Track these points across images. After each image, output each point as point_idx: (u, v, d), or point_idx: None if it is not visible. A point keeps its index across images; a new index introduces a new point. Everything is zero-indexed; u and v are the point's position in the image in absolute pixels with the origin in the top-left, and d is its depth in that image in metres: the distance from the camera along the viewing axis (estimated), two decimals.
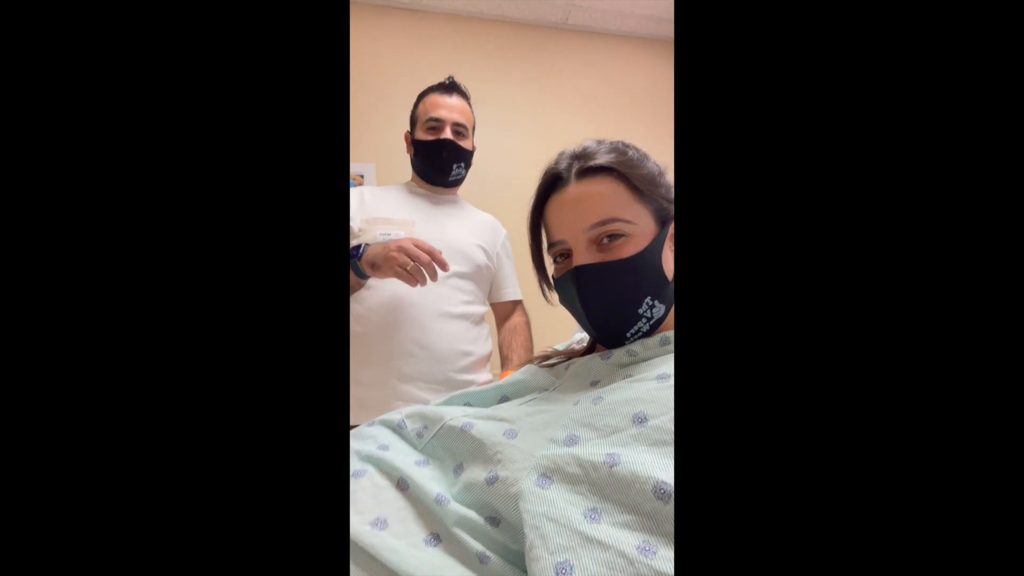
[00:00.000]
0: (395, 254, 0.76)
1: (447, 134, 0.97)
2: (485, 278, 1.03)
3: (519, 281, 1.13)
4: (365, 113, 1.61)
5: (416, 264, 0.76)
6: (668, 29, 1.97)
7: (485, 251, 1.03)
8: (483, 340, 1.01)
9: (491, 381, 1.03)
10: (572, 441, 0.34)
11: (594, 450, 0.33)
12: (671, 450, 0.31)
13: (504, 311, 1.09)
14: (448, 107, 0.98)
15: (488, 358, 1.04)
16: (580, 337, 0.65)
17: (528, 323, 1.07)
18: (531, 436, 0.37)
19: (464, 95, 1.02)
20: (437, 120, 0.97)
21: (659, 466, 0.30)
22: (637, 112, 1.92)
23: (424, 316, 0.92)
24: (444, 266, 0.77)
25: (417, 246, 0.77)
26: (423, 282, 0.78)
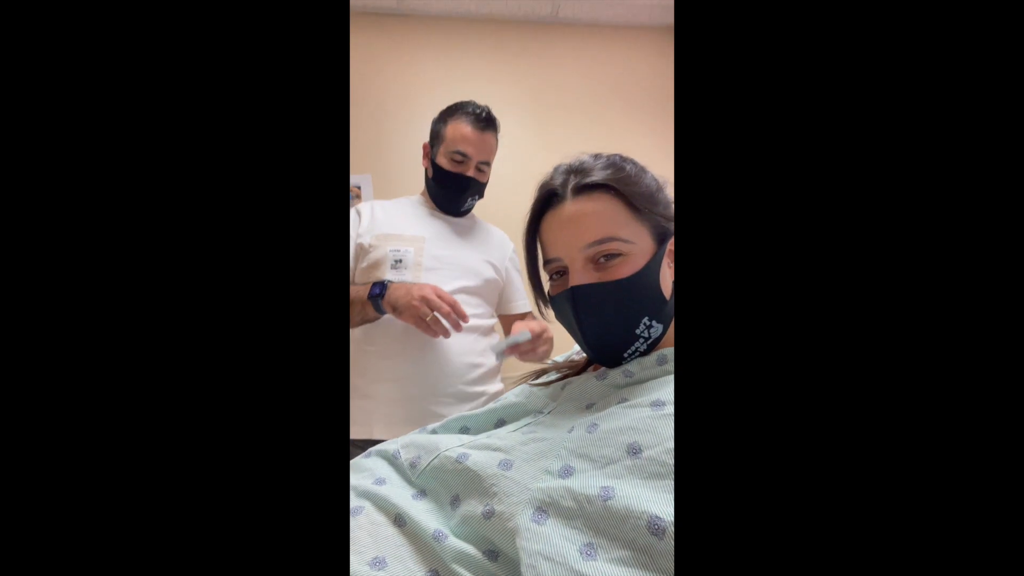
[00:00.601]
0: (417, 303, 0.77)
1: (471, 172, 0.96)
2: (493, 291, 1.03)
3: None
4: (360, 124, 1.60)
5: (435, 315, 0.76)
6: (663, 16, 1.93)
7: (494, 266, 1.02)
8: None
9: (502, 392, 1.04)
10: (567, 472, 0.34)
11: (589, 482, 0.32)
12: (666, 483, 0.30)
13: (513, 323, 1.09)
14: (478, 145, 0.95)
15: (499, 369, 1.04)
16: (578, 349, 0.64)
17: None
18: (526, 467, 0.36)
19: (495, 128, 0.99)
20: (464, 156, 0.94)
21: (653, 500, 0.29)
22: (635, 104, 1.89)
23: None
24: (464, 318, 0.78)
25: (439, 296, 0.77)
26: (445, 335, 0.79)
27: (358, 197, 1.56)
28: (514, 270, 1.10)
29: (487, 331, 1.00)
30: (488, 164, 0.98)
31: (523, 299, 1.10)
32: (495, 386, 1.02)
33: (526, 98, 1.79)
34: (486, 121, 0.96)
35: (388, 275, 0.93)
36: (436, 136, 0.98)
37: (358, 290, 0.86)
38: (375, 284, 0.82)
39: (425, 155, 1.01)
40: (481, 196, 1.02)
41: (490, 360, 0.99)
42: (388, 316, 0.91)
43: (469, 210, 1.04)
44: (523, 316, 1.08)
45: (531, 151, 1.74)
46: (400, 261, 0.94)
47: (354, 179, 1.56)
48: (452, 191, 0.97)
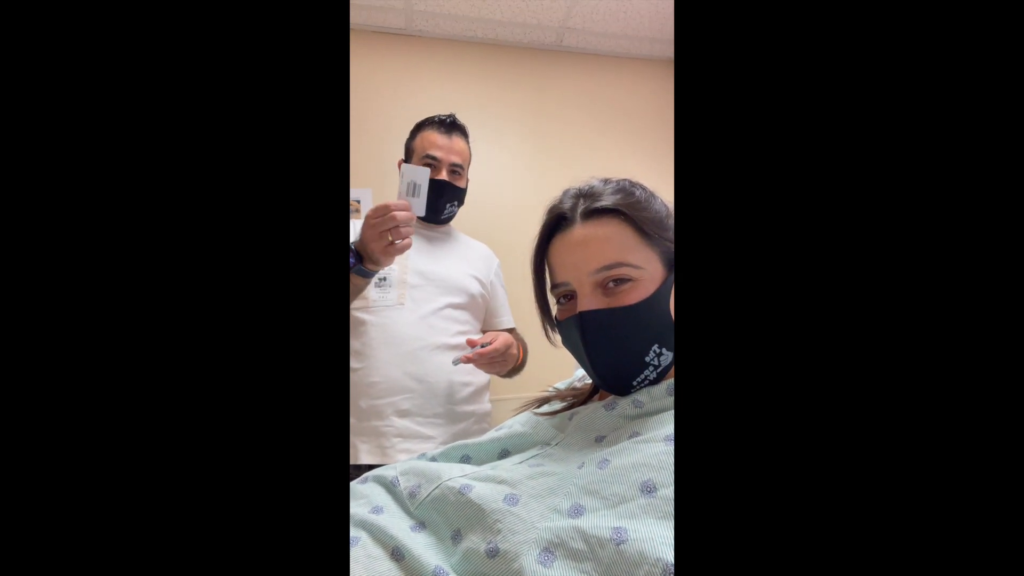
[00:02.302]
0: (370, 225, 0.71)
1: (443, 175, 0.96)
2: (480, 307, 1.02)
3: (512, 309, 1.11)
4: (361, 138, 1.61)
5: (392, 220, 0.71)
6: (663, 49, 1.98)
7: (479, 281, 1.02)
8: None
9: (490, 412, 1.02)
10: (577, 512, 0.32)
11: (600, 523, 0.30)
12: None
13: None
14: (446, 148, 0.96)
15: (487, 386, 1.02)
16: (582, 374, 0.63)
17: (520, 346, 1.04)
18: (533, 503, 0.34)
19: (464, 133, 1.00)
20: (434, 159, 0.95)
21: (670, 543, 0.28)
22: (635, 133, 1.92)
23: (420, 349, 0.91)
24: (409, 211, 0.72)
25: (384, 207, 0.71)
26: (400, 237, 0.73)
27: (357, 211, 1.55)
28: (499, 285, 1.10)
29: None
30: (461, 167, 0.98)
31: (507, 315, 1.09)
32: (484, 405, 1.00)
33: (528, 122, 1.81)
34: (451, 126, 0.98)
35: (373, 293, 0.92)
36: (408, 151, 1.01)
37: None
38: (351, 255, 0.78)
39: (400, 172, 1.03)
40: (460, 202, 1.02)
41: (479, 378, 0.97)
42: (375, 333, 0.89)
43: (450, 218, 1.03)
44: (508, 332, 1.06)
45: (532, 175, 1.76)
46: (384, 279, 0.93)
47: (355, 193, 1.56)
48: (429, 197, 0.97)
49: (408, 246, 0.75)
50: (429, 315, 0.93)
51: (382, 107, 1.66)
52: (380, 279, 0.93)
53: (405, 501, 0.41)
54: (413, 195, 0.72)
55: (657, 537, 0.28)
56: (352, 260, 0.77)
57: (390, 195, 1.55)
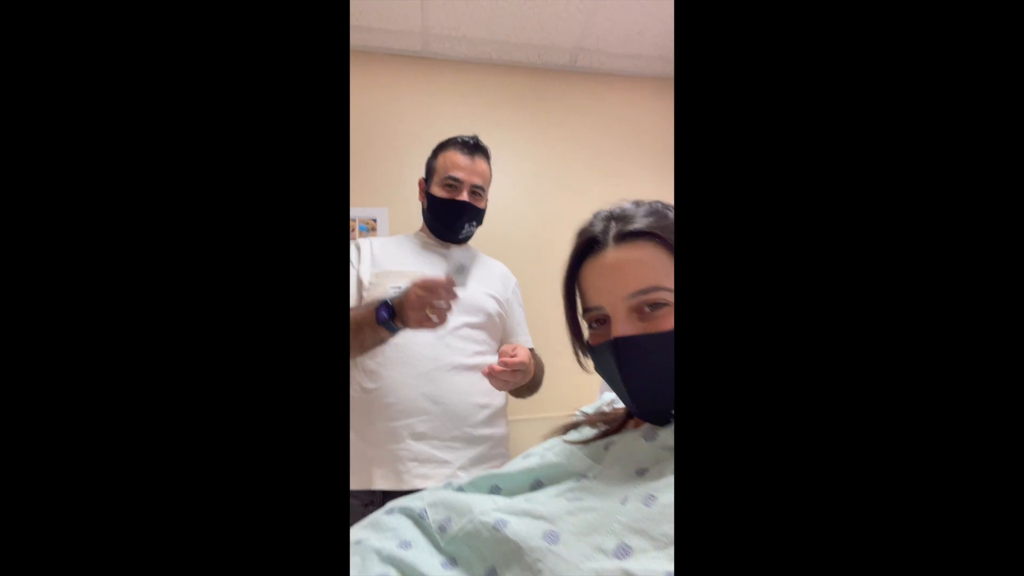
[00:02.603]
0: (414, 298, 0.72)
1: (464, 196, 0.96)
2: (497, 327, 1.01)
3: (530, 329, 1.10)
4: (378, 159, 1.63)
5: (439, 299, 0.72)
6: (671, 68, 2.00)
7: (497, 300, 1.01)
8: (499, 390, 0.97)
9: (507, 436, 0.99)
10: (624, 553, 0.30)
11: (651, 566, 0.28)
12: None
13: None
14: (468, 169, 0.97)
15: (504, 409, 1.00)
16: (610, 398, 0.61)
17: (537, 367, 1.01)
18: (575, 542, 0.32)
19: (486, 155, 1.02)
20: (456, 180, 0.96)
21: None
22: (650, 153, 1.92)
23: (436, 370, 0.89)
24: (454, 296, 0.74)
25: (429, 282, 0.72)
26: (441, 319, 0.74)
27: (374, 230, 1.56)
28: (517, 304, 1.08)
29: None
30: (483, 189, 0.99)
31: (525, 334, 1.08)
32: (501, 429, 0.98)
33: (543, 142, 1.83)
34: (474, 147, 0.99)
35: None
36: (430, 170, 1.01)
37: (358, 314, 0.80)
38: (382, 307, 0.77)
39: (421, 190, 1.04)
40: (479, 223, 1.02)
41: (496, 400, 0.95)
42: (391, 352, 0.88)
43: (468, 238, 1.04)
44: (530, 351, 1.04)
45: (547, 195, 1.76)
46: None
47: (371, 212, 1.56)
48: (448, 217, 0.97)
49: (442, 324, 0.75)
50: (446, 335, 0.91)
51: (399, 128, 1.68)
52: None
53: (435, 535, 0.39)
54: (459, 274, 0.73)
55: None
56: (384, 314, 0.76)
57: (407, 214, 1.55)
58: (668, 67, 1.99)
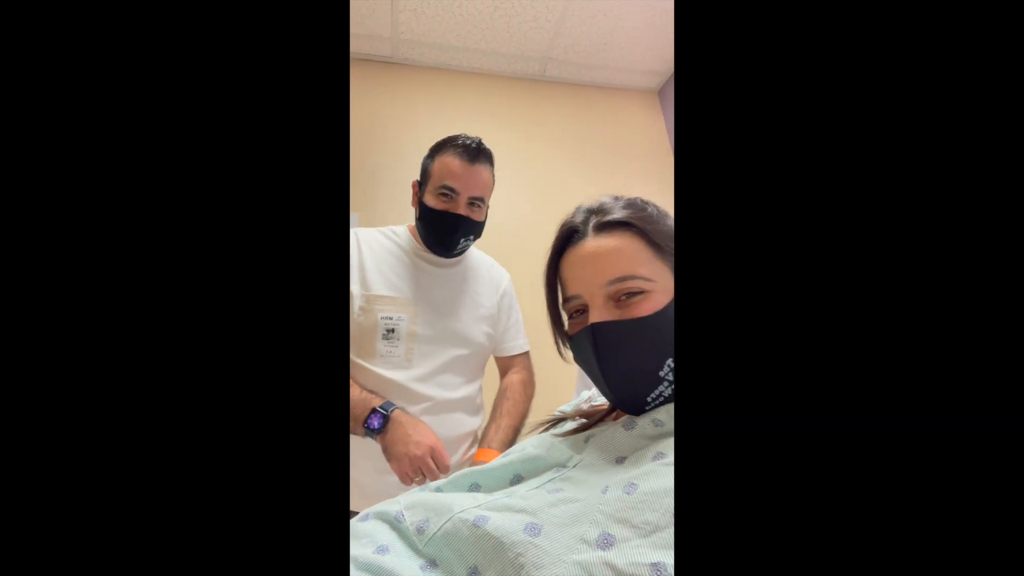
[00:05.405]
0: (407, 465, 0.71)
1: (461, 209, 0.85)
2: (485, 351, 0.96)
3: (530, 330, 1.04)
4: (351, 163, 1.60)
5: (431, 473, 0.71)
6: (644, 80, 2.06)
7: (487, 319, 0.95)
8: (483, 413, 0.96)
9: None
10: (606, 542, 0.30)
11: (635, 556, 0.28)
12: None
13: (504, 366, 1.01)
14: (467, 179, 0.85)
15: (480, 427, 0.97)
16: (588, 395, 0.61)
17: (525, 381, 0.98)
18: (557, 533, 0.32)
19: (490, 160, 0.89)
20: (452, 191, 0.84)
21: None
22: (619, 162, 1.96)
23: (424, 412, 0.84)
24: (446, 472, 0.72)
25: (434, 458, 0.71)
26: (419, 483, 0.73)
27: None
28: (512, 305, 1.02)
29: (475, 409, 0.93)
30: (482, 200, 0.88)
31: (521, 337, 1.01)
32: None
33: (512, 151, 1.84)
34: (476, 152, 0.86)
35: (381, 347, 0.84)
36: (424, 173, 0.90)
37: (354, 399, 0.77)
38: (373, 415, 0.74)
39: (414, 194, 0.92)
40: (477, 236, 0.92)
41: (476, 423, 0.92)
42: (379, 388, 0.82)
43: (463, 252, 0.93)
44: (513, 358, 1.00)
45: (520, 203, 1.77)
46: (392, 331, 0.85)
47: None
48: (441, 231, 0.87)
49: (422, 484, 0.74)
50: (436, 372, 0.87)
51: (369, 133, 1.66)
52: (388, 331, 0.85)
53: (412, 538, 0.37)
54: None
55: None
56: (375, 425, 0.73)
57: (377, 222, 1.53)
58: (631, 78, 2.04)
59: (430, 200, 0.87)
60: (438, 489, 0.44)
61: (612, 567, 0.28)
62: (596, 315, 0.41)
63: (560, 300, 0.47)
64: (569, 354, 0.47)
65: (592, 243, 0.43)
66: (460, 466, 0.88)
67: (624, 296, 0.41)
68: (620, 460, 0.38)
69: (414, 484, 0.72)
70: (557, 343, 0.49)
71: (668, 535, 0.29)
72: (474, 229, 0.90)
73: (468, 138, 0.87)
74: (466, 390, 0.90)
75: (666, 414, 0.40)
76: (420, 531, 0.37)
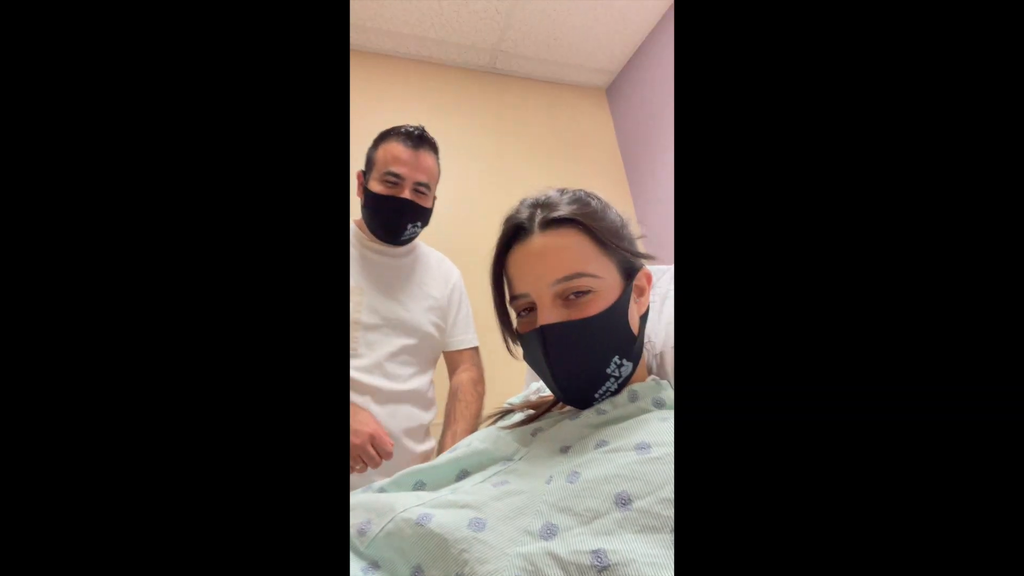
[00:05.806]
0: (358, 443, 0.71)
1: (406, 193, 0.86)
2: (435, 343, 0.96)
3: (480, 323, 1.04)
4: None
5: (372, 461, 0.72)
6: (595, 78, 2.09)
7: (436, 310, 0.95)
8: (434, 404, 0.95)
9: (435, 447, 0.96)
10: (549, 532, 0.30)
11: (577, 544, 0.28)
12: (662, 537, 0.27)
13: (453, 362, 1.00)
14: (412, 164, 0.86)
15: (431, 423, 0.96)
16: (536, 387, 0.62)
17: (475, 379, 0.97)
18: (502, 527, 0.32)
19: (433, 148, 0.91)
20: (397, 176, 0.86)
21: (651, 560, 0.26)
22: (570, 155, 1.99)
23: (371, 403, 0.82)
24: (389, 457, 0.73)
25: (375, 444, 0.71)
26: (361, 471, 0.74)
27: None
28: (462, 300, 1.02)
29: (426, 403, 0.92)
30: (427, 186, 0.89)
31: (471, 331, 1.01)
32: (430, 443, 0.94)
33: (463, 142, 1.82)
34: (419, 139, 0.89)
35: None
36: (369, 162, 0.91)
37: None
38: None
39: (359, 184, 0.92)
40: (424, 223, 0.93)
41: (427, 417, 0.92)
42: None
43: (410, 239, 0.94)
44: (462, 353, 0.99)
45: (469, 195, 1.75)
46: None
47: None
48: (387, 216, 0.87)
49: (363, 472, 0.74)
50: (384, 361, 0.85)
51: None
52: None
53: (354, 540, 0.36)
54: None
55: (640, 557, 0.27)
56: None
57: None
58: (580, 75, 2.07)
59: (375, 187, 0.88)
60: (382, 490, 0.43)
61: (555, 557, 0.28)
62: (545, 316, 0.41)
63: (507, 297, 0.46)
64: (519, 351, 0.47)
65: (539, 240, 0.42)
66: (413, 464, 0.87)
67: (572, 295, 0.41)
68: (564, 450, 0.38)
69: (356, 472, 0.72)
70: (506, 340, 0.49)
71: (608, 520, 0.29)
72: (421, 215, 0.91)
73: (411, 127, 0.90)
74: (416, 382, 0.89)
75: (610, 404, 0.41)
76: (362, 533, 0.36)
